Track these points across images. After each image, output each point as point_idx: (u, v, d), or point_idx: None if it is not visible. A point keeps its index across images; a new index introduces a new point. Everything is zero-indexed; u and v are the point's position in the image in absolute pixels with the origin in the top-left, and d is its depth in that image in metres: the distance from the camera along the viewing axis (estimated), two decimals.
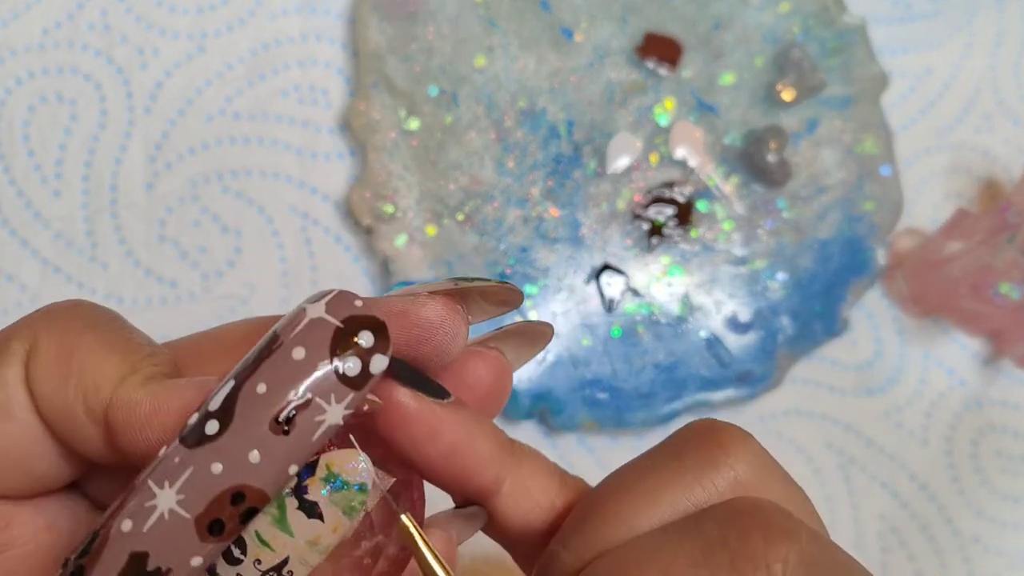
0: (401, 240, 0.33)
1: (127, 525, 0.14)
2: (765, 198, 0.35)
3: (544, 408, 0.33)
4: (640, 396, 0.33)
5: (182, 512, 0.14)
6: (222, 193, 0.35)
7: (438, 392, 0.17)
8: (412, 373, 0.17)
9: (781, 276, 0.34)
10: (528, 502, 0.19)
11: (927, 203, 0.38)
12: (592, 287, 0.34)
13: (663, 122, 0.35)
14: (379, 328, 0.15)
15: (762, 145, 0.34)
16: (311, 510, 0.15)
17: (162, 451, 0.15)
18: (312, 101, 0.36)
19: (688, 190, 0.35)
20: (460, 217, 0.33)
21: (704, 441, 0.17)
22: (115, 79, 0.35)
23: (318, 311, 0.15)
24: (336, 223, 0.35)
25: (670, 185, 0.35)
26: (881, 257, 0.35)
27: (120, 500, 0.15)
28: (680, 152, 0.35)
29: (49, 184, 0.34)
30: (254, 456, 0.14)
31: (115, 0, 0.35)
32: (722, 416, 0.35)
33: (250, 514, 0.15)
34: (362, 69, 0.34)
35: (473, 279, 0.18)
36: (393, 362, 0.15)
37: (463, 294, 0.17)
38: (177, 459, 0.14)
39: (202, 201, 0.35)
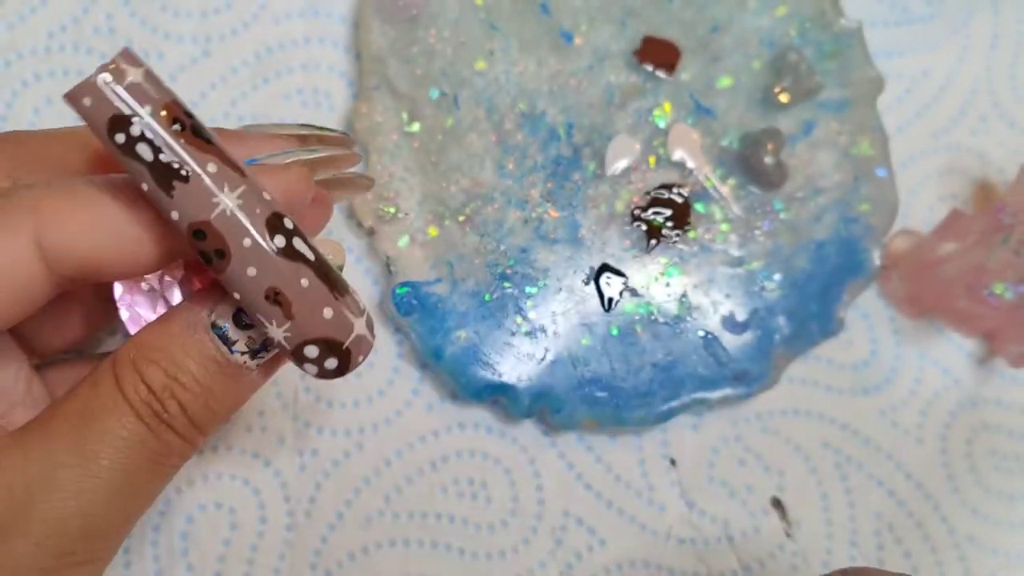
0: (403, 241, 0.33)
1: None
2: (762, 200, 0.35)
3: (543, 406, 0.33)
4: (638, 395, 0.33)
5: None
6: None
7: None
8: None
9: (777, 276, 0.35)
10: None
11: (922, 204, 0.38)
12: (591, 287, 0.34)
13: (662, 125, 0.35)
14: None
15: (759, 147, 0.35)
16: None
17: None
18: (315, 104, 0.36)
19: (686, 192, 0.35)
20: (461, 218, 0.34)
21: None
22: None
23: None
24: (338, 224, 0.35)
25: (668, 187, 0.35)
26: (877, 258, 0.35)
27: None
28: (678, 154, 0.35)
29: None
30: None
31: (120, 4, 0.36)
32: (720, 415, 0.36)
33: None
34: (364, 72, 0.35)
35: (321, 128, 0.25)
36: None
37: (305, 138, 0.24)
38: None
39: None
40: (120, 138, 0.19)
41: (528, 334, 0.33)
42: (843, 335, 0.36)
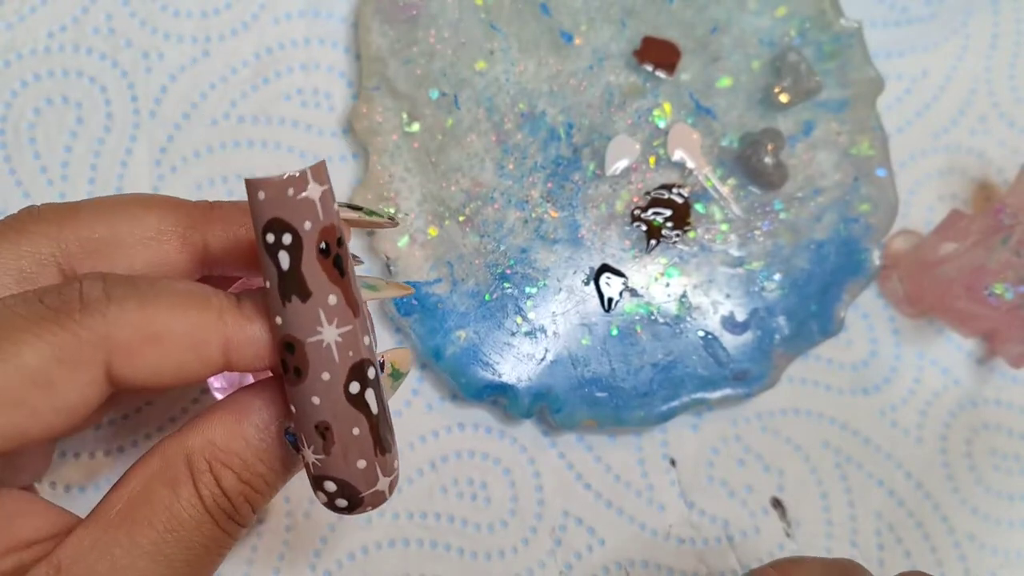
0: (403, 241, 0.34)
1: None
2: (762, 200, 0.35)
3: (543, 406, 0.33)
4: (638, 395, 0.33)
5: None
6: (227, 196, 0.35)
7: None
8: None
9: (777, 277, 0.35)
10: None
11: (922, 205, 0.38)
12: (591, 287, 0.34)
13: (661, 125, 0.35)
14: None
15: (759, 147, 0.35)
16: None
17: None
18: (315, 104, 0.36)
19: (686, 192, 0.35)
20: (461, 218, 0.34)
21: None
22: (120, 82, 0.35)
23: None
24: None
25: (668, 187, 0.35)
26: (876, 258, 0.35)
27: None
28: (678, 154, 0.35)
29: (55, 186, 0.35)
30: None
31: (120, 4, 0.36)
32: (720, 415, 0.36)
33: None
34: (364, 72, 0.35)
35: (370, 212, 0.25)
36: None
37: (355, 222, 0.25)
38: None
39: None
40: (270, 238, 0.20)
41: (528, 334, 0.33)
42: (843, 335, 0.36)
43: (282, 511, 0.33)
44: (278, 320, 0.20)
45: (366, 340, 0.21)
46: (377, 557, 0.33)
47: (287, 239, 0.20)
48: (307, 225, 0.20)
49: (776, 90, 0.35)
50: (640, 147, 0.35)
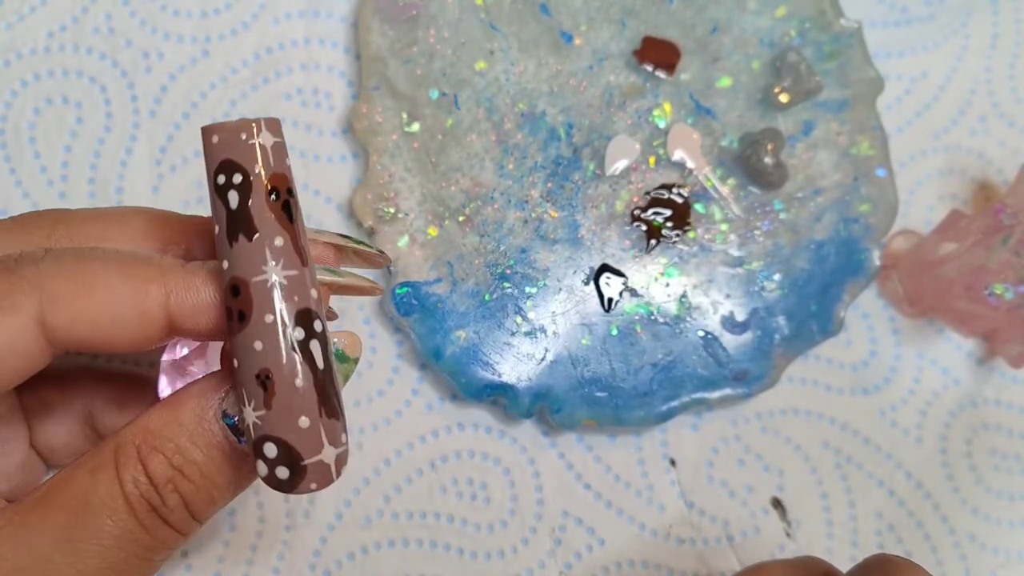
0: (403, 241, 0.33)
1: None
2: (762, 200, 0.35)
3: (543, 406, 0.33)
4: (638, 395, 0.33)
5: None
6: None
7: None
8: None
9: (777, 277, 0.35)
10: None
11: (922, 205, 0.38)
12: (591, 287, 0.34)
13: (661, 125, 0.35)
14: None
15: (759, 148, 0.35)
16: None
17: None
18: (315, 104, 0.36)
19: (686, 192, 0.35)
20: (461, 218, 0.34)
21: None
22: (120, 82, 0.35)
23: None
24: (339, 225, 0.35)
25: (668, 187, 0.35)
26: (876, 258, 0.35)
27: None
28: (678, 154, 0.35)
29: (55, 186, 0.35)
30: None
31: (119, 4, 0.36)
32: (720, 415, 0.36)
33: None
34: (364, 72, 0.35)
35: (358, 241, 0.25)
36: None
37: (341, 248, 0.25)
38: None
39: (207, 204, 0.35)
40: (221, 179, 0.20)
41: (528, 334, 0.33)
42: (843, 335, 0.36)
43: (282, 511, 0.33)
44: (225, 264, 0.20)
45: (313, 293, 0.20)
46: (377, 557, 0.33)
47: (237, 179, 0.20)
48: (257, 168, 0.20)
49: (776, 90, 0.35)
50: (640, 147, 0.35)
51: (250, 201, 0.20)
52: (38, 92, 0.35)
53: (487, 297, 0.33)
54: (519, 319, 0.33)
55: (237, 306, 0.20)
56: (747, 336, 0.34)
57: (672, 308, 0.34)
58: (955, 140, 0.39)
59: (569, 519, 0.34)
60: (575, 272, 0.34)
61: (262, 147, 0.21)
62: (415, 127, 0.34)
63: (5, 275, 0.20)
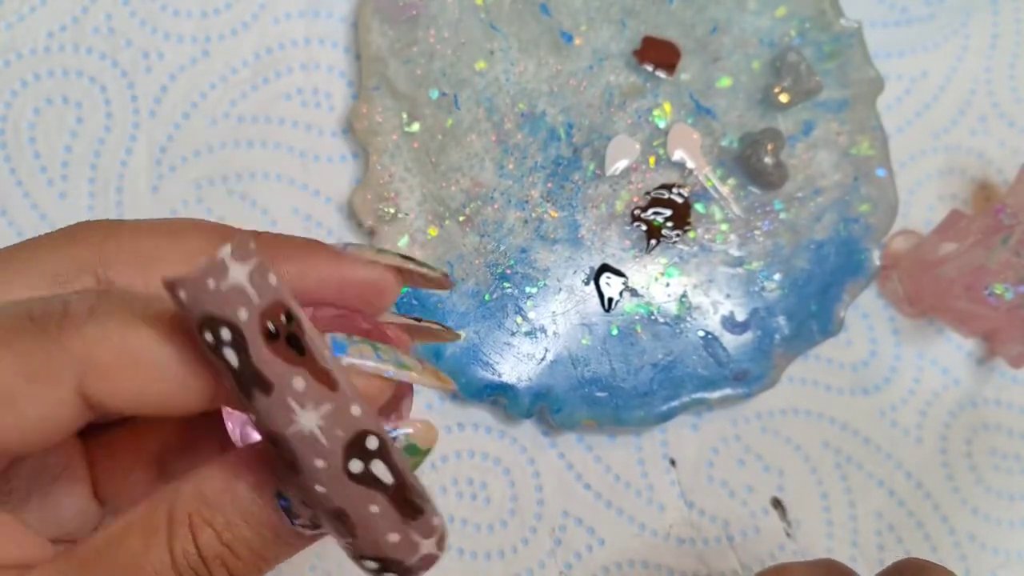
0: (403, 241, 0.33)
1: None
2: (762, 200, 0.35)
3: (543, 406, 0.33)
4: (638, 395, 0.33)
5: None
6: (226, 196, 0.35)
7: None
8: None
9: (777, 277, 0.35)
10: None
11: (922, 205, 0.38)
12: (591, 287, 0.34)
13: (661, 125, 0.35)
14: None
15: (759, 148, 0.35)
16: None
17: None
18: (315, 104, 0.36)
19: (686, 192, 0.35)
20: (461, 218, 0.34)
21: None
22: (120, 82, 0.35)
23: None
24: (339, 225, 0.35)
25: (668, 187, 0.35)
26: (876, 258, 0.35)
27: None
28: (678, 154, 0.35)
29: (55, 186, 0.35)
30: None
31: (119, 4, 0.36)
32: (720, 415, 0.36)
33: None
34: (364, 72, 0.35)
35: (421, 264, 0.23)
36: None
37: (405, 271, 0.23)
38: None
39: (206, 204, 0.35)
40: (209, 338, 0.18)
41: (528, 334, 0.33)
42: (843, 335, 0.36)
43: None
44: (252, 418, 0.19)
45: (355, 410, 0.19)
46: None
47: (226, 335, 0.18)
48: (242, 314, 0.18)
49: (776, 90, 0.35)
50: (640, 147, 0.35)
51: (251, 355, 0.18)
52: (38, 92, 0.35)
53: (487, 297, 0.33)
54: (519, 319, 0.33)
55: (283, 456, 0.19)
56: (747, 336, 0.34)
57: (672, 308, 0.34)
58: (955, 140, 0.39)
59: (569, 519, 0.34)
60: (575, 272, 0.34)
61: (237, 287, 0.18)
62: (415, 127, 0.34)
63: (45, 343, 0.19)
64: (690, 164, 0.35)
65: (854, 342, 0.37)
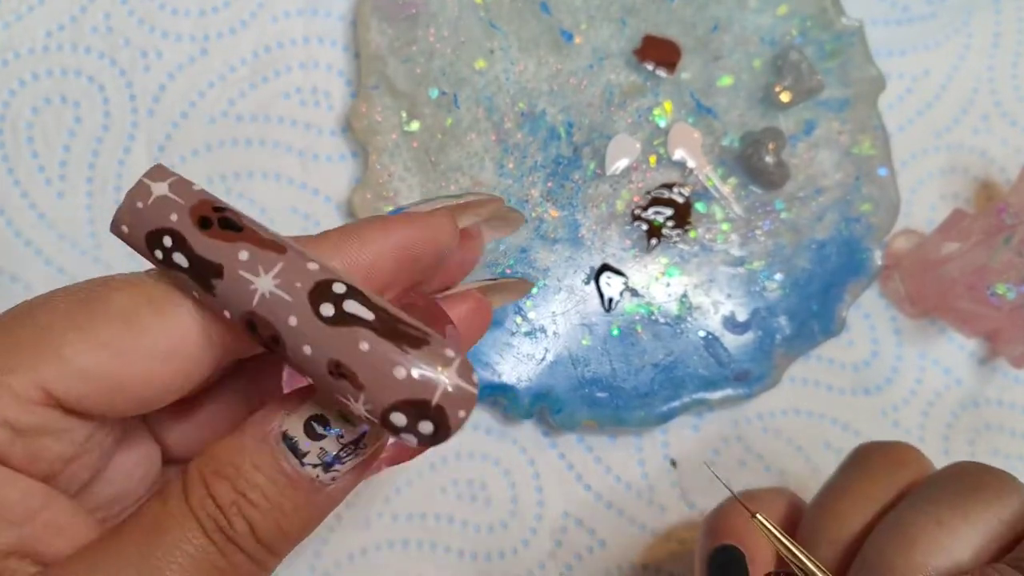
0: None
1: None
2: (763, 199, 0.35)
3: (544, 407, 0.33)
4: (639, 395, 0.33)
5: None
6: (225, 195, 0.35)
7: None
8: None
9: (779, 276, 0.35)
10: None
11: (924, 204, 0.38)
12: (591, 287, 0.34)
13: (662, 124, 0.35)
14: None
15: (760, 147, 0.35)
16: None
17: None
18: (314, 103, 0.36)
19: (687, 191, 0.35)
20: None
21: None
22: (118, 81, 0.35)
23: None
24: (338, 224, 0.35)
25: (669, 186, 0.35)
26: (878, 258, 0.35)
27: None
28: (679, 154, 0.35)
29: (53, 185, 0.34)
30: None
31: (118, 3, 0.36)
32: (721, 415, 0.36)
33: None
34: (363, 71, 0.35)
35: (462, 195, 0.24)
36: None
37: (459, 208, 0.24)
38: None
39: None
40: (159, 254, 0.19)
41: (528, 334, 0.33)
42: (844, 335, 0.36)
43: None
44: (226, 314, 0.19)
45: (311, 265, 0.19)
46: (376, 558, 0.33)
47: (168, 241, 0.19)
48: (173, 217, 0.19)
49: (777, 89, 0.35)
50: (640, 146, 0.35)
51: (193, 247, 0.19)
52: (36, 91, 0.35)
53: None
54: (519, 319, 0.33)
55: (265, 334, 0.19)
56: (748, 336, 0.34)
57: (673, 308, 0.34)
58: (957, 139, 0.38)
59: (569, 520, 0.34)
60: (575, 272, 0.34)
61: (161, 198, 0.19)
62: (414, 126, 0.34)
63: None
64: (691, 163, 0.35)
65: (856, 342, 0.36)
